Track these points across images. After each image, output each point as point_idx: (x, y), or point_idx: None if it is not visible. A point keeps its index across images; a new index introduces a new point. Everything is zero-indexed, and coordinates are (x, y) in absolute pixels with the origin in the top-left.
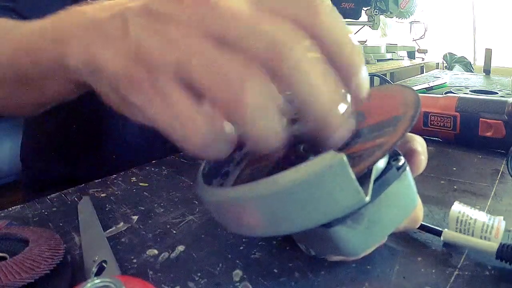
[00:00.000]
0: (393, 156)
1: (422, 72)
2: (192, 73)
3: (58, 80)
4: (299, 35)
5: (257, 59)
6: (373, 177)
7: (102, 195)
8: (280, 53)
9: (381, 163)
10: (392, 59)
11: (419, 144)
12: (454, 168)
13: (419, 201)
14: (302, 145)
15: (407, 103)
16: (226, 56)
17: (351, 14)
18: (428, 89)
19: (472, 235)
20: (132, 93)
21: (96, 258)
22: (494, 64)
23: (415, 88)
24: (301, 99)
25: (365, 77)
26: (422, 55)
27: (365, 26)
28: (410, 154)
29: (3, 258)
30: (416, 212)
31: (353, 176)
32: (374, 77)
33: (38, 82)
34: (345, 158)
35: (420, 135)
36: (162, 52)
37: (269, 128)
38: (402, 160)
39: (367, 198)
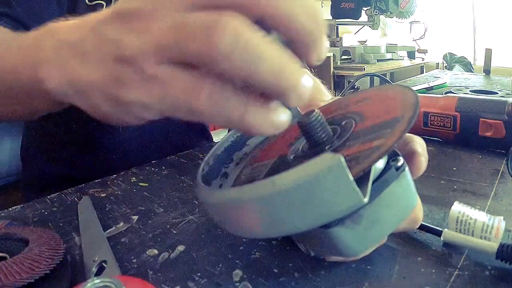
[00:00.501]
0: (392, 157)
1: (422, 72)
2: (171, 50)
3: (42, 99)
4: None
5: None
6: (371, 178)
7: (102, 195)
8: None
9: (380, 164)
10: (392, 59)
11: (420, 145)
12: (454, 168)
13: (418, 201)
14: (301, 145)
15: (405, 105)
16: (193, 20)
17: (351, 14)
18: (428, 89)
19: (472, 235)
20: (128, 91)
21: (96, 258)
22: (494, 64)
23: (415, 88)
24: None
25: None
26: (422, 55)
27: (365, 26)
28: (411, 156)
29: (3, 258)
30: (416, 212)
31: (351, 178)
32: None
33: (24, 98)
34: (343, 159)
35: (420, 135)
36: (139, 43)
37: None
38: (401, 161)
39: (366, 199)
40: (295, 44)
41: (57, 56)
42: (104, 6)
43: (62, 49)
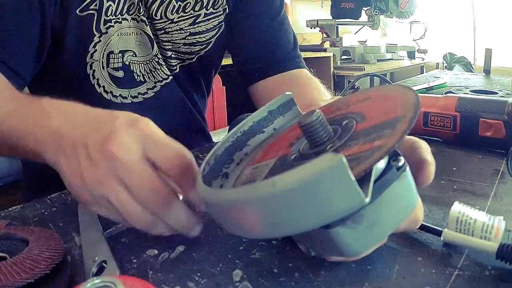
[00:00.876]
0: (393, 157)
1: (422, 72)
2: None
3: (38, 158)
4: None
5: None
6: (373, 178)
7: None
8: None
9: (381, 164)
10: (392, 59)
11: (428, 153)
12: (454, 168)
13: (419, 202)
14: (302, 146)
15: (406, 105)
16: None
17: (351, 14)
18: (428, 89)
19: (472, 235)
20: (82, 203)
21: (96, 258)
22: (494, 64)
23: (415, 88)
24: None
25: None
26: (422, 55)
27: (365, 26)
28: (420, 164)
29: (3, 258)
30: (416, 213)
31: (353, 178)
32: (374, 77)
33: (19, 153)
34: (344, 159)
35: (420, 135)
36: (96, 186)
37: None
38: (402, 161)
39: (367, 199)
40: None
41: (52, 145)
42: (95, 15)
43: (56, 141)
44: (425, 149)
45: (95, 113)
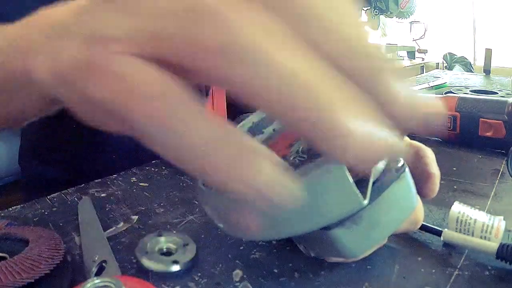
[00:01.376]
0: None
1: (422, 72)
2: (154, 40)
3: (27, 95)
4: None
5: None
6: (371, 179)
7: (102, 195)
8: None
9: (380, 165)
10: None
11: (435, 164)
12: (454, 168)
13: (419, 203)
14: (301, 147)
15: None
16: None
17: None
18: (428, 89)
19: (472, 235)
20: (92, 85)
21: (96, 258)
22: (494, 64)
23: (415, 88)
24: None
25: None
26: (422, 55)
27: (365, 26)
28: (426, 177)
29: (3, 258)
30: (416, 214)
31: (351, 180)
32: None
33: (10, 94)
34: None
35: (420, 135)
36: (118, 21)
37: None
38: (401, 162)
39: (365, 202)
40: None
41: (46, 42)
42: None
43: (51, 34)
44: (431, 159)
45: None
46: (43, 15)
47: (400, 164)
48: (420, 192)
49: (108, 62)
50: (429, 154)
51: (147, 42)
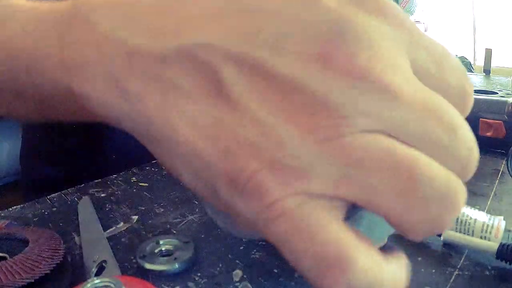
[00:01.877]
0: None
1: None
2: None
3: (65, 106)
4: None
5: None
6: None
7: (102, 195)
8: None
9: None
10: None
11: None
12: None
13: None
14: None
15: None
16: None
17: None
18: None
19: (472, 235)
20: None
21: (96, 258)
22: (494, 64)
23: None
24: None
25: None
26: None
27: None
28: None
29: (3, 258)
30: None
31: None
32: None
33: (39, 102)
34: None
35: None
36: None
37: None
38: None
39: None
40: None
41: (106, 61)
42: None
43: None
44: None
45: None
46: (89, 21)
47: None
48: None
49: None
50: None
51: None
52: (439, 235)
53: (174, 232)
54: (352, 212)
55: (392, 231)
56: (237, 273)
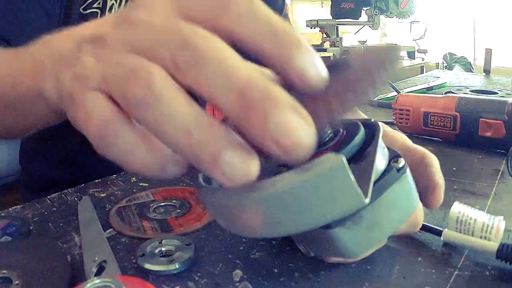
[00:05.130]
0: (393, 158)
1: (422, 72)
2: (110, 84)
3: (41, 108)
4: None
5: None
6: (373, 178)
7: (102, 195)
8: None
9: (381, 165)
10: None
11: (439, 173)
12: (454, 168)
13: (420, 205)
14: None
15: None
16: (126, 62)
17: (351, 14)
18: (428, 89)
19: (472, 235)
20: (70, 109)
21: (96, 258)
22: (494, 64)
23: (415, 88)
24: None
25: (309, 58)
26: (422, 55)
27: (365, 26)
28: (432, 187)
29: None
30: (416, 216)
31: (353, 178)
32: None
33: (22, 109)
34: (344, 159)
35: (420, 135)
36: (92, 68)
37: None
38: (402, 162)
39: (367, 200)
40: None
41: (52, 65)
42: (99, 14)
43: (56, 59)
44: (436, 168)
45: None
46: (50, 43)
47: (401, 165)
48: (425, 202)
49: (79, 95)
50: (435, 163)
51: (107, 86)
52: (439, 235)
53: (174, 233)
54: (353, 213)
55: (392, 231)
56: (237, 273)
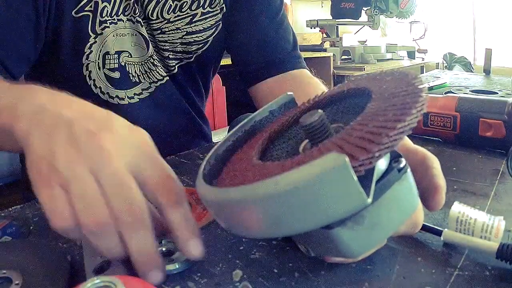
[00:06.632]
0: (394, 158)
1: (422, 72)
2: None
3: (10, 141)
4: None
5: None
6: (374, 178)
7: None
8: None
9: (382, 165)
10: (392, 59)
11: (441, 175)
12: (454, 168)
13: (420, 205)
14: (310, 142)
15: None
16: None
17: (351, 14)
18: (428, 89)
19: (472, 235)
20: (36, 182)
21: (96, 258)
22: (494, 64)
23: None
24: None
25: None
26: (422, 55)
27: (365, 26)
28: (434, 189)
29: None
30: (416, 216)
31: (355, 178)
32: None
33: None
34: (347, 159)
35: (420, 135)
36: (65, 167)
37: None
38: (403, 162)
39: (369, 200)
40: None
41: (29, 113)
42: (91, 17)
43: (33, 109)
44: (437, 169)
45: (93, 107)
46: (33, 94)
47: (402, 165)
48: (426, 205)
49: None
50: (436, 165)
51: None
52: (439, 235)
53: None
54: (354, 213)
55: (393, 231)
56: (237, 273)
